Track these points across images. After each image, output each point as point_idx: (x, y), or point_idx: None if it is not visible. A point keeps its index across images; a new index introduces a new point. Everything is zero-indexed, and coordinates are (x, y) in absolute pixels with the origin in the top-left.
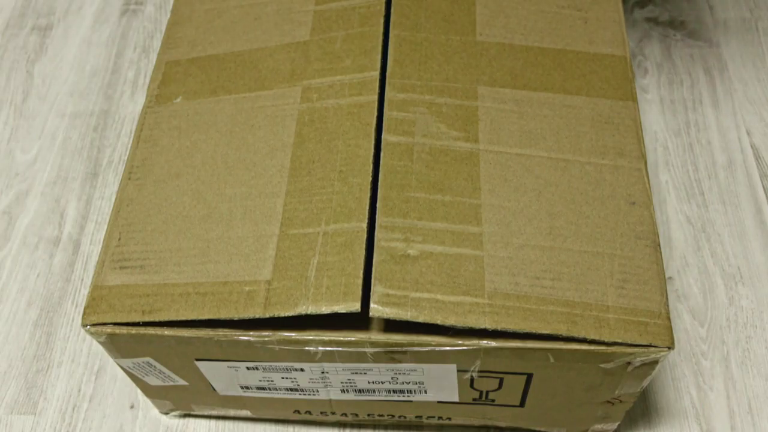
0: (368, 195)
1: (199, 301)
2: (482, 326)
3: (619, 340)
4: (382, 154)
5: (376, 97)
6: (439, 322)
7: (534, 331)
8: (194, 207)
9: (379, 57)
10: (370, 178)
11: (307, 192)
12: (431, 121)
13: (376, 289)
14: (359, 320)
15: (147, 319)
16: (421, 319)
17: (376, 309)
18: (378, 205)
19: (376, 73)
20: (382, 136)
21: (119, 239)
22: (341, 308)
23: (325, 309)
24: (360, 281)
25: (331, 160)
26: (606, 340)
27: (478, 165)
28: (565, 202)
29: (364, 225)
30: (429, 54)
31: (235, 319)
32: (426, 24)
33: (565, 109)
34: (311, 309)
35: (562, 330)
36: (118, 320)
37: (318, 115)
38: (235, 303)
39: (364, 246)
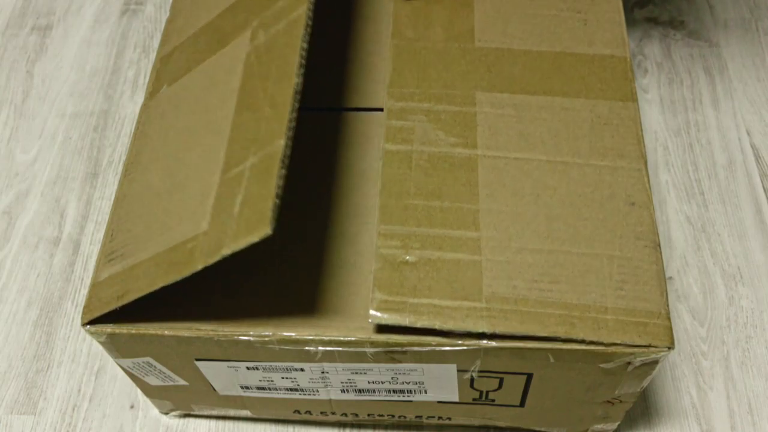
0: (288, 109)
1: (155, 272)
2: (480, 330)
3: (618, 341)
4: (382, 163)
5: (305, 8)
6: (437, 326)
7: (531, 334)
8: (163, 184)
9: None
10: (293, 90)
11: (245, 129)
12: (430, 128)
13: (376, 295)
14: (360, 319)
15: (119, 304)
16: (419, 324)
17: (375, 315)
18: (377, 213)
19: None
20: (382, 145)
21: (112, 235)
22: (254, 238)
23: (242, 243)
24: (270, 202)
25: (264, 87)
26: (604, 342)
27: (477, 170)
28: (564, 204)
29: (282, 141)
30: (427, 62)
31: (179, 280)
32: (425, 33)
33: (564, 112)
34: (232, 247)
35: (560, 332)
36: (96, 314)
37: (262, 50)
38: (179, 264)
39: (278, 164)
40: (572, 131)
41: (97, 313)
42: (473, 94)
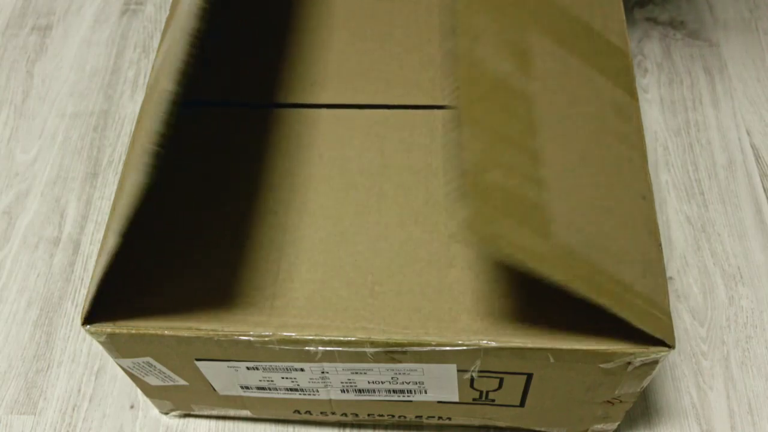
0: (174, 66)
1: (106, 247)
2: (551, 277)
3: (643, 328)
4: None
5: None
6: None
7: (590, 298)
8: None
9: None
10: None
11: None
12: (491, 50)
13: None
14: (360, 319)
15: (93, 288)
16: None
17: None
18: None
19: None
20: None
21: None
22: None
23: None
24: (140, 152)
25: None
26: (635, 326)
27: (532, 106)
28: (599, 179)
29: (164, 86)
30: None
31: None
32: None
33: (595, 90)
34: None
35: (608, 304)
36: (88, 309)
37: None
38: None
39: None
40: (601, 109)
41: (88, 308)
42: (523, 33)
